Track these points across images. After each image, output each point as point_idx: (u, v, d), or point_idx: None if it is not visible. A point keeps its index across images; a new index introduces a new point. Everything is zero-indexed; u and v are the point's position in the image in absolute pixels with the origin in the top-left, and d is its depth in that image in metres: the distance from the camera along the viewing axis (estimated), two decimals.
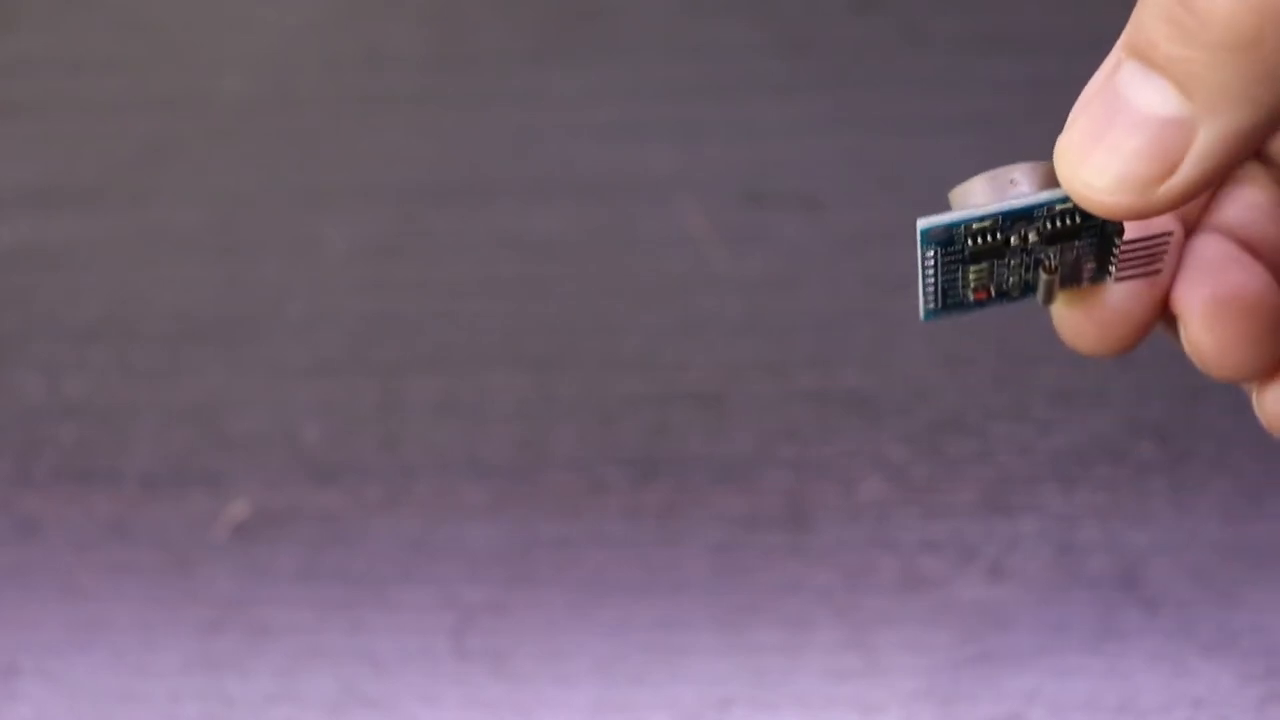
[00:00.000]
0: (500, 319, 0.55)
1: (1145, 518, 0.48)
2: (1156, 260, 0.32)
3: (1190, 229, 0.33)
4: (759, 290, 0.54)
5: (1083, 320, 0.32)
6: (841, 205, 0.56)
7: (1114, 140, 0.28)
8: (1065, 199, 0.30)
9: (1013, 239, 0.31)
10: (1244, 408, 0.50)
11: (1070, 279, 0.32)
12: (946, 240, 0.31)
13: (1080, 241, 0.31)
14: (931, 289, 0.32)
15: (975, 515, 0.48)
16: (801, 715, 0.45)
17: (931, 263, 0.31)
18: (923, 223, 0.30)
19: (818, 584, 0.47)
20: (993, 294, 0.32)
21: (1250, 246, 0.33)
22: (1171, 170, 0.28)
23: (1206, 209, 0.33)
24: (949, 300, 0.32)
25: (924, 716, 0.45)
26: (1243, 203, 0.33)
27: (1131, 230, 0.31)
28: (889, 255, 0.55)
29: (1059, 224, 0.30)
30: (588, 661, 0.47)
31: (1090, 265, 0.32)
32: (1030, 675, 0.45)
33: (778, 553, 0.48)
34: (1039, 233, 0.30)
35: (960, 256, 0.31)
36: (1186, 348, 0.32)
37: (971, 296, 0.32)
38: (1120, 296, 0.32)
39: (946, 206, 0.33)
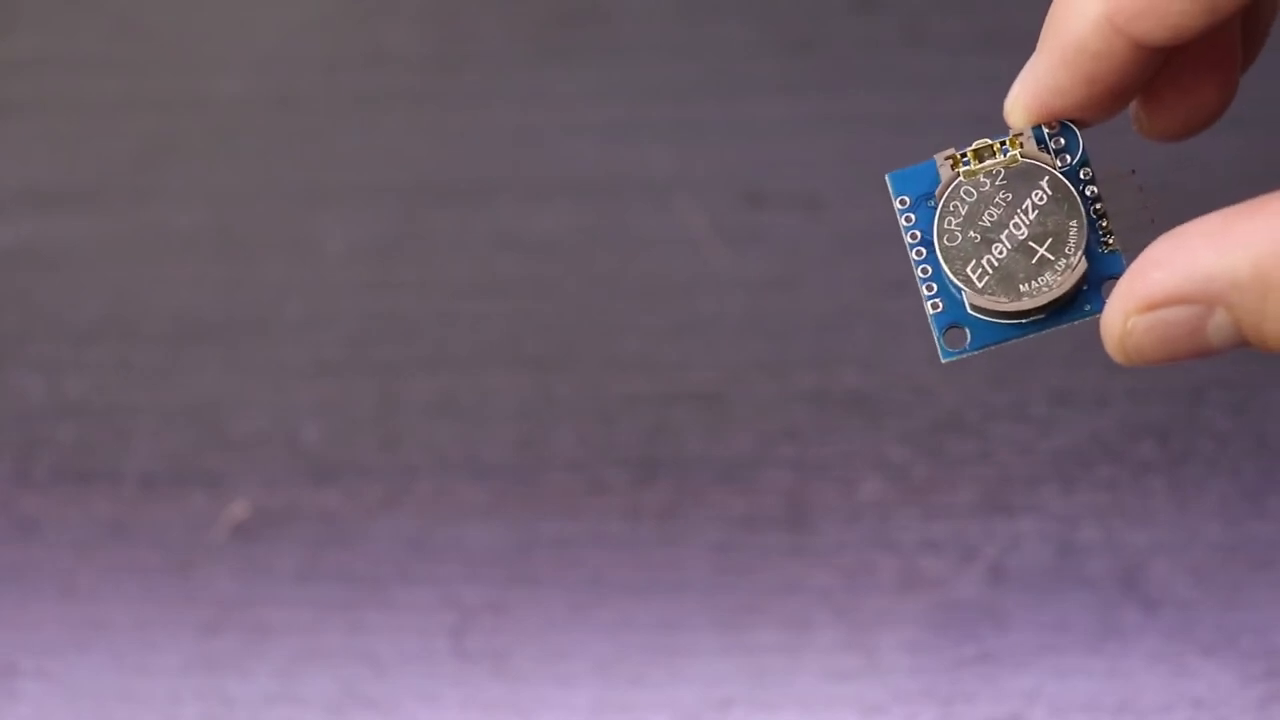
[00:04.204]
0: (500, 319, 0.55)
1: (1145, 518, 0.48)
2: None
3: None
4: (759, 290, 0.54)
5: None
6: (841, 205, 0.56)
7: (1178, 356, 0.30)
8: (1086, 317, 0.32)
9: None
10: (1244, 408, 0.50)
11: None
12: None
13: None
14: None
15: (975, 515, 0.48)
16: (801, 715, 0.45)
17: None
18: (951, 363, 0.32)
19: (818, 584, 0.47)
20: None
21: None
22: None
23: None
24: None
25: (924, 716, 0.45)
26: None
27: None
28: (889, 255, 0.55)
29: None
30: (588, 661, 0.47)
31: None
32: (1030, 675, 0.45)
33: (778, 553, 0.48)
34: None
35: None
36: None
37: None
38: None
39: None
